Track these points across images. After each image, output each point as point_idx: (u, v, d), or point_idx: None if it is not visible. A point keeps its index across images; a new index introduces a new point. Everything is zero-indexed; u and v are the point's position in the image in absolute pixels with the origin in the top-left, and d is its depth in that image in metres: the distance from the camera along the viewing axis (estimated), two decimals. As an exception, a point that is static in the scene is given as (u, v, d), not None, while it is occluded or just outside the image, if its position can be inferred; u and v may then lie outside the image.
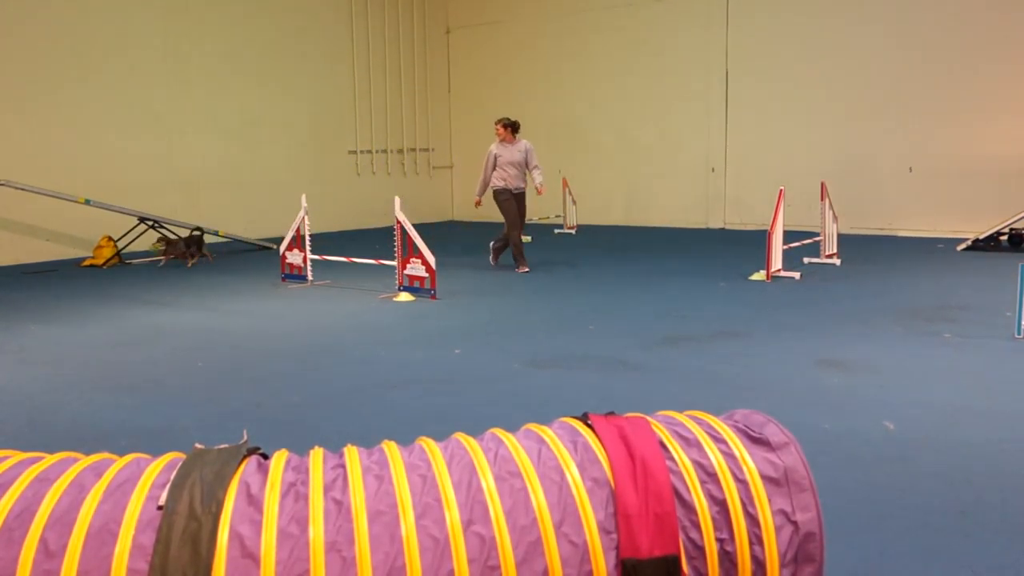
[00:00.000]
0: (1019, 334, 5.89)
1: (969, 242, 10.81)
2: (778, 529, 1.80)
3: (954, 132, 12.23)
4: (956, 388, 4.73)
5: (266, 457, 1.92)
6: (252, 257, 11.67)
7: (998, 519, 3.04)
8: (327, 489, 1.74)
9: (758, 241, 10.60)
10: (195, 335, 6.53)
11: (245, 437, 2.00)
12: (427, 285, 7.97)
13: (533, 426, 2.02)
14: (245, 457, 1.83)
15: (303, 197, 9.11)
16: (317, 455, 1.87)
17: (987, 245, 10.63)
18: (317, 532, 1.66)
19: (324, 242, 12.33)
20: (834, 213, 9.89)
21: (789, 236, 9.71)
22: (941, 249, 11.01)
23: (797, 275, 8.70)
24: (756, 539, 1.79)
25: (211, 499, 1.67)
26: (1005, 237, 10.74)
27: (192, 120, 13.11)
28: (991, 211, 11.61)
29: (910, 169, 12.62)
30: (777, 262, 8.70)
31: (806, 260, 9.77)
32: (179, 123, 12.95)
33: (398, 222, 8.13)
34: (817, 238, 9.97)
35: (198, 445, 1.87)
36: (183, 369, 5.49)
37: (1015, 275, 6.10)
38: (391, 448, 1.91)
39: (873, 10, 12.66)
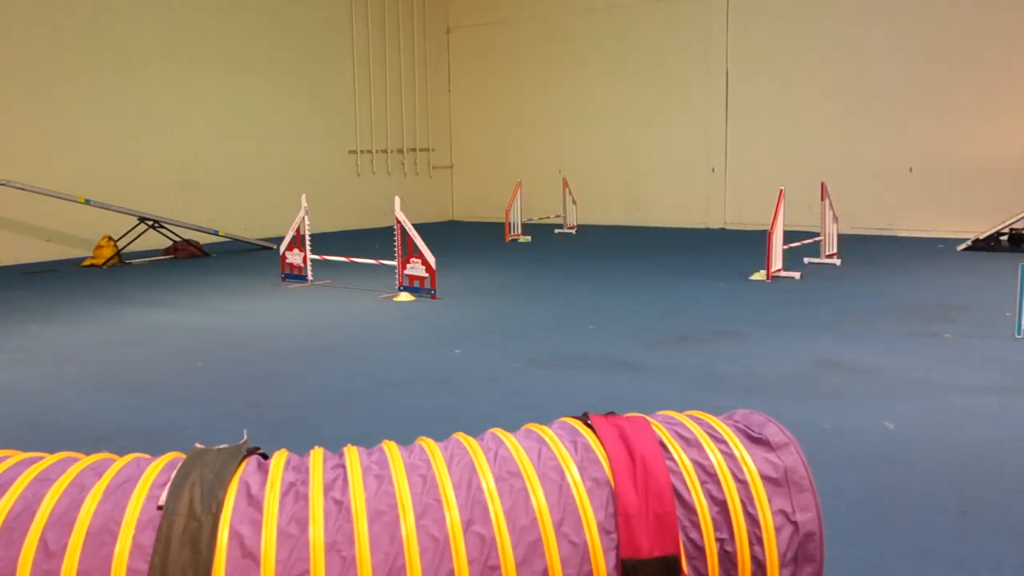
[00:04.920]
0: (1019, 334, 5.89)
1: (969, 242, 10.81)
2: (778, 529, 1.80)
3: (954, 132, 12.23)
4: (956, 388, 4.73)
5: (266, 457, 1.92)
6: (252, 257, 11.67)
7: (998, 519, 3.04)
8: (327, 489, 1.74)
9: (758, 241, 10.60)
10: (195, 335, 6.53)
11: (245, 437, 2.00)
12: (427, 285, 7.97)
13: (533, 426, 2.02)
14: (245, 457, 1.83)
15: (303, 197, 9.11)
16: (317, 455, 1.87)
17: (987, 245, 10.63)
18: (317, 532, 1.66)
19: (324, 242, 12.33)
20: (834, 213, 9.89)
21: (789, 236, 9.71)
22: (941, 249, 11.01)
23: (797, 275, 8.70)
24: (756, 539, 1.79)
25: (211, 499, 1.67)
26: (1005, 237, 10.74)
27: (192, 120, 13.12)
28: (991, 211, 11.61)
29: (910, 169, 12.62)
30: (777, 262, 8.70)
31: (806, 260, 9.76)
32: (179, 123, 12.95)
33: (398, 222, 8.13)
34: (817, 238, 9.97)
35: (198, 445, 1.87)
36: (183, 369, 5.49)
37: (1015, 275, 6.11)
38: (391, 448, 1.91)
39: (873, 10, 12.66)
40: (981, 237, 10.72)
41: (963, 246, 10.83)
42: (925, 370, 5.13)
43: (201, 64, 13.18)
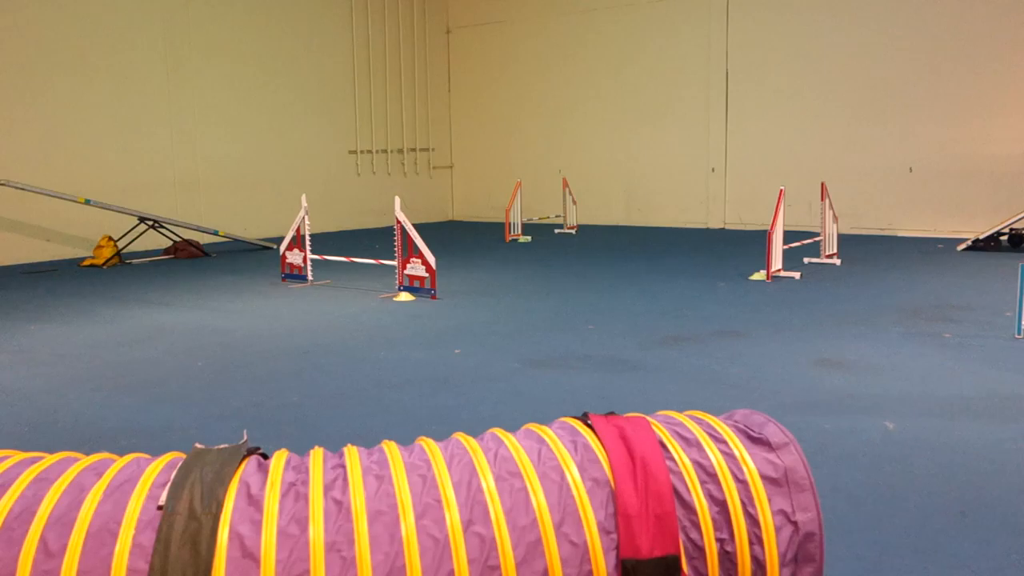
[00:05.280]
0: (1019, 334, 5.89)
1: (969, 242, 10.81)
2: (778, 529, 1.80)
3: (954, 132, 12.23)
4: (956, 388, 4.73)
5: (266, 457, 1.92)
6: (252, 257, 11.67)
7: (998, 519, 3.04)
8: (327, 489, 1.74)
9: (758, 241, 10.60)
10: (195, 335, 6.53)
11: (245, 437, 2.00)
12: (427, 285, 7.97)
13: (533, 426, 2.02)
14: (245, 457, 1.83)
15: (303, 197, 9.11)
16: (317, 455, 1.87)
17: (987, 245, 10.64)
18: (317, 532, 1.66)
19: (324, 242, 12.33)
20: (834, 213, 9.90)
21: (789, 236, 9.72)
22: (941, 249, 11.01)
23: (797, 275, 8.71)
24: (756, 539, 1.79)
25: (211, 499, 1.67)
26: (1005, 237, 10.74)
27: (192, 120, 13.12)
28: (991, 211, 11.61)
29: (910, 169, 12.63)
30: (777, 262, 8.70)
31: (806, 260, 9.77)
32: (179, 123, 12.96)
33: (398, 222, 8.14)
34: (817, 238, 9.97)
35: (198, 445, 1.87)
36: (183, 369, 5.49)
37: (1015, 275, 6.11)
38: (391, 448, 1.91)
39: (873, 10, 12.67)
40: (981, 237, 10.72)
41: (963, 246, 10.83)
42: (925, 370, 5.13)
43: (201, 64, 13.18)
